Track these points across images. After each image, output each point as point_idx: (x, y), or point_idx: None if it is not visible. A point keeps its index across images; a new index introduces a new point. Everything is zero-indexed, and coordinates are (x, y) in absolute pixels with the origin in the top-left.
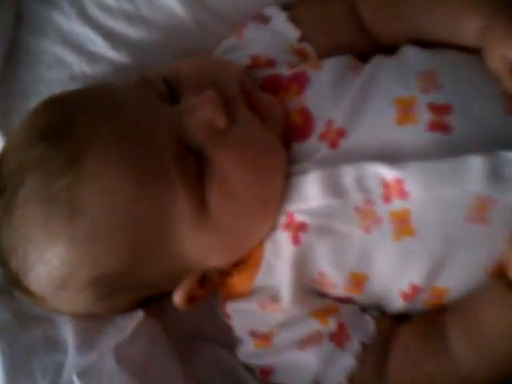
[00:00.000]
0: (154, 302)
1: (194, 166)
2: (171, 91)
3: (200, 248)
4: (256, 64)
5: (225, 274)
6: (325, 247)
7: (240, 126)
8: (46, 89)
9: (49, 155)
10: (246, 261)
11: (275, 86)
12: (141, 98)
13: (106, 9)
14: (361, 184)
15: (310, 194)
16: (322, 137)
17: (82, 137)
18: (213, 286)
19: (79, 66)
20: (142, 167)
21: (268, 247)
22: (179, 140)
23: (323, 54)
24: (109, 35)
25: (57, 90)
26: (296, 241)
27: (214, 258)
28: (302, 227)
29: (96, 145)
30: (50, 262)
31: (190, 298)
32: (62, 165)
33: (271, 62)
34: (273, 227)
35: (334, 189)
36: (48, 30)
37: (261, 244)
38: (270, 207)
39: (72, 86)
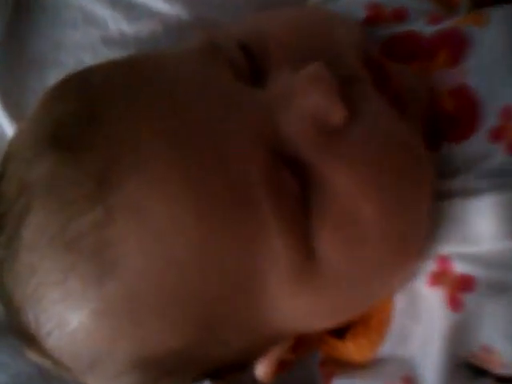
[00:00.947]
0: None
1: (294, 191)
2: (254, 65)
3: (299, 312)
4: (376, 17)
5: (332, 335)
6: (498, 313)
7: (365, 120)
8: (71, 57)
9: (63, 174)
10: (366, 321)
11: (410, 52)
12: (207, 79)
13: None
14: None
15: (481, 230)
16: (495, 135)
17: (115, 146)
18: (312, 347)
19: (115, 23)
20: (213, 197)
21: (401, 305)
22: (270, 148)
23: (481, 5)
24: None
25: (85, 58)
26: (456, 305)
27: (318, 323)
28: (465, 284)
29: (137, 159)
30: (72, 335)
31: (279, 365)
32: (85, 191)
33: (400, 13)
34: (411, 276)
35: None
36: None
37: (389, 299)
38: (412, 248)
39: (105, 54)
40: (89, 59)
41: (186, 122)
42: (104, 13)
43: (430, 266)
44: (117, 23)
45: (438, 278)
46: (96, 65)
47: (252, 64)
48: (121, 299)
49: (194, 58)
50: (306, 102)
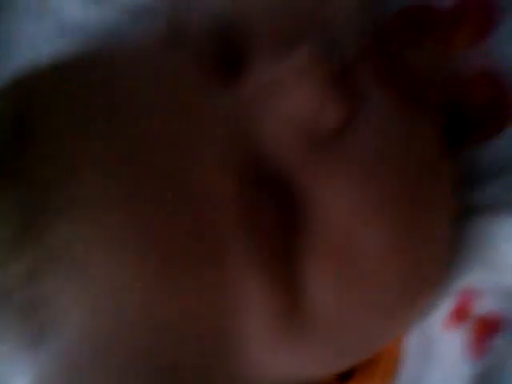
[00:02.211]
0: None
1: (274, 222)
2: (229, 53)
3: (286, 364)
4: None
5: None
6: None
7: (367, 125)
8: (26, 50)
9: None
10: (373, 364)
11: (425, 25)
12: (166, 80)
13: None
14: None
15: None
16: None
17: (46, 174)
18: None
19: (72, 9)
20: (167, 243)
21: (414, 347)
22: (242, 167)
23: None
24: None
25: (42, 50)
26: (479, 349)
27: (311, 374)
28: (491, 324)
29: (73, 194)
30: None
31: None
32: (8, 234)
33: None
34: (425, 313)
35: None
36: None
37: (399, 338)
38: (427, 285)
39: (64, 45)
40: (46, 51)
41: (134, 144)
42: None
43: (449, 302)
44: (75, 8)
45: (458, 317)
46: (41, 65)
47: (225, 50)
48: (58, 370)
49: (152, 52)
50: (289, 102)
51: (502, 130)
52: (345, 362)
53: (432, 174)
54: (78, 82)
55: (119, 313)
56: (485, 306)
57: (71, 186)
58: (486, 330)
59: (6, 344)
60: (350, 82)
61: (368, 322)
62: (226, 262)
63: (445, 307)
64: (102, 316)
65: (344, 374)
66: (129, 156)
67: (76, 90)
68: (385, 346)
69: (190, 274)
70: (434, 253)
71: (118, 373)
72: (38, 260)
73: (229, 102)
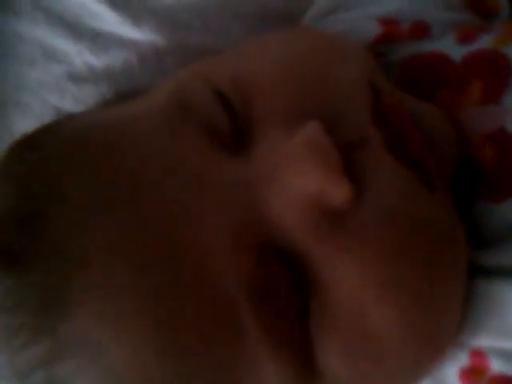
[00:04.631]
0: None
1: (288, 298)
2: (235, 123)
3: None
4: (391, 33)
5: None
6: None
7: (377, 200)
8: (34, 97)
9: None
10: None
11: (435, 79)
12: (174, 156)
13: None
14: None
15: None
16: None
17: (60, 260)
18: None
19: (80, 56)
20: (181, 330)
21: None
22: (254, 243)
23: None
24: (122, 1)
25: (50, 98)
26: None
27: None
28: None
29: (87, 279)
30: None
31: None
32: (28, 319)
33: (421, 28)
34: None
35: None
36: (23, 4)
37: None
38: (440, 351)
39: (73, 92)
40: (56, 100)
41: (147, 228)
42: (66, 46)
43: (462, 361)
44: (82, 56)
45: (471, 376)
46: (48, 132)
47: (235, 124)
48: None
49: (160, 125)
50: (300, 179)
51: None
52: None
53: (447, 246)
54: (86, 167)
55: None
56: (498, 367)
57: (87, 270)
58: None
59: None
60: (359, 159)
61: None
62: (241, 345)
63: (458, 365)
64: None
65: None
66: (141, 244)
67: (83, 165)
68: None
69: (206, 360)
70: (447, 324)
71: None
72: (55, 345)
73: (240, 176)
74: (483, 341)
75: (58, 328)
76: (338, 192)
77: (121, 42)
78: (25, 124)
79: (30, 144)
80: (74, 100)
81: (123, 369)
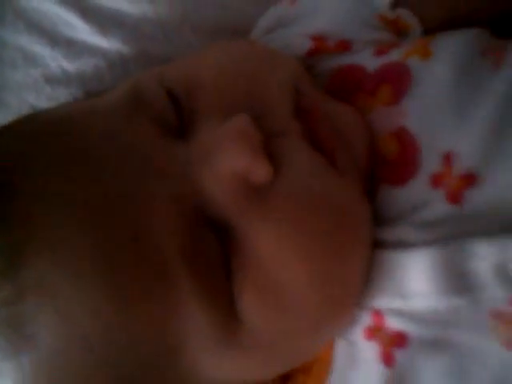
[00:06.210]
0: None
1: (216, 254)
2: (182, 116)
3: (229, 370)
4: (320, 48)
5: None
6: (436, 370)
7: (292, 177)
8: (14, 97)
9: None
10: (307, 369)
11: (352, 85)
12: (130, 140)
13: None
14: (504, 273)
15: (415, 287)
16: (436, 181)
17: (28, 221)
18: None
19: (56, 61)
20: (123, 275)
21: (341, 354)
22: (189, 211)
23: (434, 29)
24: (94, 14)
25: (29, 98)
26: (388, 359)
27: (251, 378)
28: (398, 340)
29: (48, 238)
30: None
31: None
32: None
33: (345, 44)
34: (348, 323)
35: (457, 280)
36: (4, 12)
37: (330, 346)
38: (345, 306)
39: (49, 93)
40: (33, 99)
41: (101, 194)
42: (43, 51)
43: (366, 320)
44: (57, 61)
45: (373, 333)
46: (21, 123)
47: (180, 115)
48: (37, 374)
49: (119, 114)
50: (227, 159)
51: (412, 177)
52: (279, 368)
53: (353, 220)
54: (55, 142)
55: (83, 338)
56: (393, 325)
57: (49, 230)
58: (395, 345)
59: None
60: (279, 145)
61: (292, 340)
62: (175, 294)
63: (363, 323)
64: (68, 340)
65: (285, 375)
66: (97, 209)
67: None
68: (316, 353)
69: (145, 305)
70: (349, 285)
71: (86, 380)
72: (18, 288)
73: (181, 157)
74: (381, 301)
75: (20, 274)
76: (260, 170)
77: (92, 50)
78: (4, 120)
79: (2, 131)
80: (48, 99)
81: (74, 310)
